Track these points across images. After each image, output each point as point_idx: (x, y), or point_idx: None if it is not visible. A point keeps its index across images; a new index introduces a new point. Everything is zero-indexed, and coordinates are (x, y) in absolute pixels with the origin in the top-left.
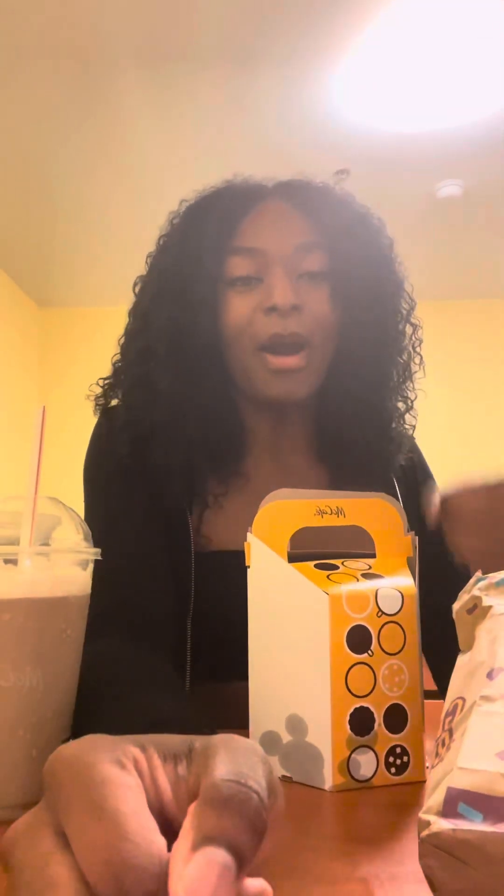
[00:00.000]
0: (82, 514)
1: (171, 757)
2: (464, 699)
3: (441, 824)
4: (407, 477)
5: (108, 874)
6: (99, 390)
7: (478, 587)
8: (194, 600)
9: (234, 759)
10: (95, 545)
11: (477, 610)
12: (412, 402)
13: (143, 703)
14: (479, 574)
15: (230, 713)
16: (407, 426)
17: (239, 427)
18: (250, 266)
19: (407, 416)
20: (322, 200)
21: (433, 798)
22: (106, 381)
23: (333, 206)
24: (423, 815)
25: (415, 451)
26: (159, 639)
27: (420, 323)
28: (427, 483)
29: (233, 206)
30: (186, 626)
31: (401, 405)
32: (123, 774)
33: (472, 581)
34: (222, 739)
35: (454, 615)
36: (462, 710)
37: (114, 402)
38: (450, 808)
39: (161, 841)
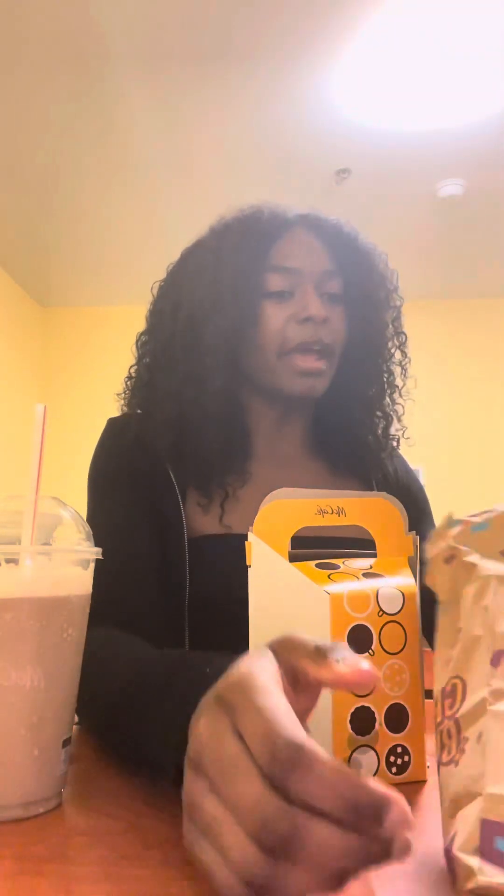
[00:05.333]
0: (84, 514)
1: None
2: (463, 681)
3: (487, 874)
4: (390, 482)
5: (268, 752)
6: (123, 396)
7: (453, 533)
8: (191, 585)
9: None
10: (95, 541)
11: (455, 562)
12: (400, 415)
13: (152, 657)
14: (452, 515)
15: None
16: (393, 436)
17: (244, 429)
18: (285, 282)
19: (394, 428)
20: (336, 236)
21: (465, 830)
22: (125, 392)
23: (345, 241)
24: (462, 856)
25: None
26: (149, 630)
27: (409, 355)
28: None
29: (269, 229)
30: (184, 610)
31: (392, 411)
32: (278, 689)
33: (444, 522)
34: None
35: (429, 559)
36: (464, 695)
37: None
38: (487, 844)
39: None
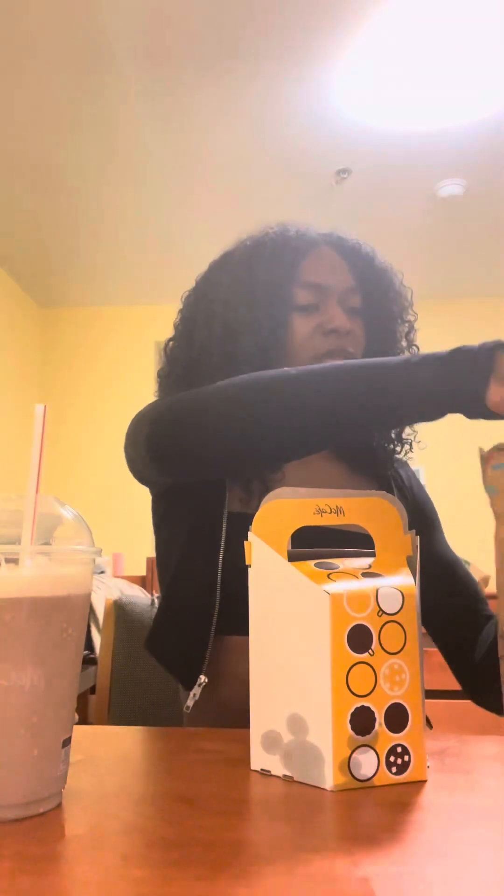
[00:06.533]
0: (83, 514)
1: None
2: None
3: None
4: (405, 490)
5: None
6: (160, 384)
7: None
8: (225, 552)
9: None
10: None
11: None
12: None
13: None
14: None
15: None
16: (405, 439)
17: None
18: (312, 297)
19: (406, 432)
20: (356, 255)
21: None
22: (166, 377)
23: (365, 260)
24: None
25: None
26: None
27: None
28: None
29: (298, 247)
30: (217, 571)
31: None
32: None
33: None
34: None
35: (489, 480)
36: None
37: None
38: None
39: None
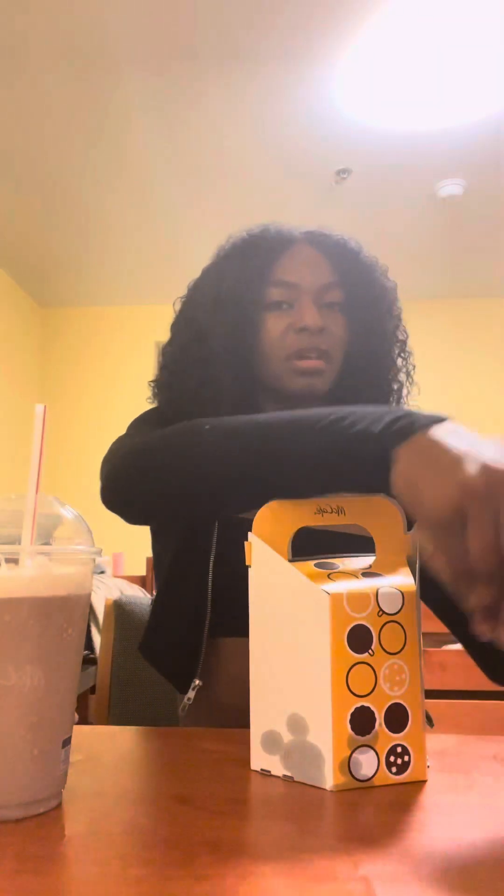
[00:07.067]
0: (83, 514)
1: None
2: None
3: None
4: None
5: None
6: (152, 390)
7: None
8: (216, 550)
9: None
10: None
11: None
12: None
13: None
14: None
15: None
16: None
17: None
18: (285, 295)
19: None
20: (339, 251)
21: None
22: (156, 381)
23: (348, 255)
24: None
25: None
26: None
27: (412, 351)
28: None
29: (272, 246)
30: (208, 569)
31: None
32: None
33: None
34: None
35: None
36: None
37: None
38: None
39: None
